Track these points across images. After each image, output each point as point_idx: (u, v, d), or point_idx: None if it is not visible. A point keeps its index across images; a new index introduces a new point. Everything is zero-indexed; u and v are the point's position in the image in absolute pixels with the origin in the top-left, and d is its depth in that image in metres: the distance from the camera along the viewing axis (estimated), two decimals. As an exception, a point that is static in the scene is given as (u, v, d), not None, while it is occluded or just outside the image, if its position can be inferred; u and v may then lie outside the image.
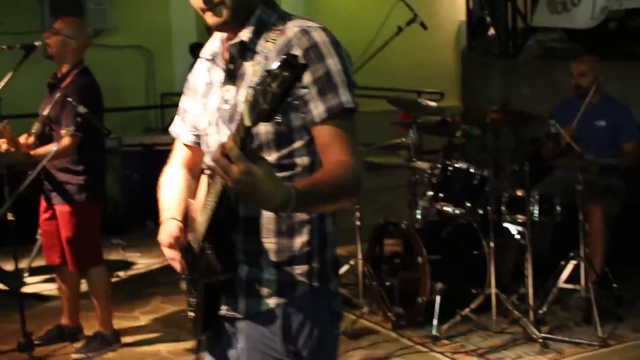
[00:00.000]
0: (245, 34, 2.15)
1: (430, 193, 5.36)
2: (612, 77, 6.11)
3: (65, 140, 4.78)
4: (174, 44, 11.59)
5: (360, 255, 5.62)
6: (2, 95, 5.13)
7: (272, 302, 2.14)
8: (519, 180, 5.21)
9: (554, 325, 5.21)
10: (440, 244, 5.36)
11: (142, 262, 7.54)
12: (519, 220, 5.19)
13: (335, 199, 2.01)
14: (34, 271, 6.80)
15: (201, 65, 2.34)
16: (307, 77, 2.03)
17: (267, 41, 2.12)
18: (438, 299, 5.15)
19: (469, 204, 5.22)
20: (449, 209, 5.27)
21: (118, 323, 5.45)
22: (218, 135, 2.20)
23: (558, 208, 5.24)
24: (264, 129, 2.07)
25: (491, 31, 8.57)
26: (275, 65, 1.66)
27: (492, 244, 5.12)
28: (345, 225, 2.87)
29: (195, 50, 11.00)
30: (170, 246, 2.31)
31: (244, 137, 1.76)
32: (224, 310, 2.20)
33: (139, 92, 11.42)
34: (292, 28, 2.10)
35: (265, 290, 2.14)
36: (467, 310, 5.11)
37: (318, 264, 2.16)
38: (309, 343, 2.15)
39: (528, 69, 7.86)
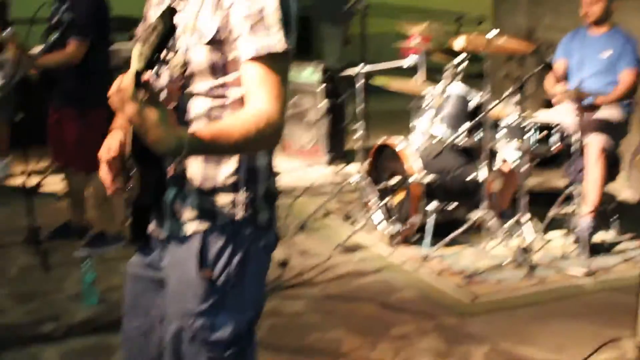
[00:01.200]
0: None
1: (429, 116, 5.43)
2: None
3: (71, 47, 4.93)
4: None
5: (360, 172, 5.74)
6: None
7: (192, 227, 2.15)
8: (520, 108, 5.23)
9: (544, 254, 5.29)
10: (437, 168, 5.44)
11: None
12: (514, 147, 5.24)
13: (239, 150, 2.06)
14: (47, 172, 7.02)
15: None
16: (241, 11, 2.03)
17: None
18: (432, 218, 5.27)
19: (464, 129, 5.27)
20: (443, 133, 5.33)
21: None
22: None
23: (554, 138, 5.27)
24: (198, 57, 2.09)
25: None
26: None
27: (486, 169, 5.20)
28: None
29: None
30: (106, 163, 2.25)
31: (135, 80, 1.85)
32: (151, 227, 2.24)
33: None
34: None
35: (187, 215, 2.16)
36: (458, 231, 5.21)
37: (245, 196, 2.15)
38: (226, 272, 2.14)
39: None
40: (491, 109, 5.10)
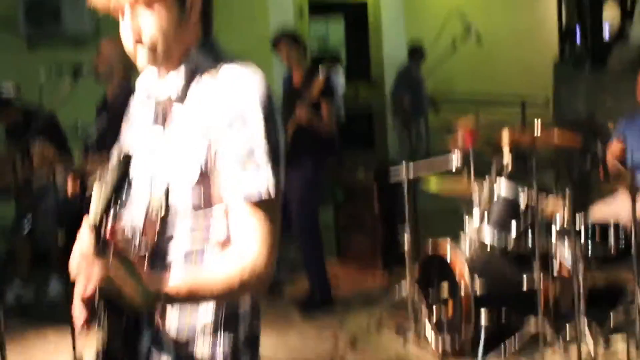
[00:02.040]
0: (176, 79, 2.02)
1: (477, 218, 5.15)
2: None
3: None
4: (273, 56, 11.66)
5: (409, 280, 5.47)
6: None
7: None
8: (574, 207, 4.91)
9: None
10: (488, 275, 5.12)
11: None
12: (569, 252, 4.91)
13: (219, 300, 1.96)
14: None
15: (138, 96, 2.20)
16: (229, 149, 1.90)
17: (198, 86, 1.99)
18: (483, 328, 4.94)
19: (515, 233, 4.97)
20: (492, 237, 5.03)
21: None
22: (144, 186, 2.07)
23: (612, 240, 4.91)
24: (179, 195, 1.96)
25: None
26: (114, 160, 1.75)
27: (540, 275, 4.86)
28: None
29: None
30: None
31: (96, 238, 1.81)
32: None
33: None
34: (222, 79, 1.95)
35: None
36: (512, 341, 4.87)
37: (224, 343, 2.01)
38: None
39: (613, 79, 7.47)
40: (539, 210, 4.79)
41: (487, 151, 5.72)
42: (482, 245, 5.18)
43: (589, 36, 7.77)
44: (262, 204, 1.90)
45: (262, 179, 1.89)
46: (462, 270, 5.03)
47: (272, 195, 1.90)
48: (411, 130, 10.75)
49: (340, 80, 11.29)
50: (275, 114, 1.94)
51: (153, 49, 1.98)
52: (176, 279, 1.88)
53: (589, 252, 4.89)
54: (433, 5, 12.43)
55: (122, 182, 1.85)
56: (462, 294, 4.99)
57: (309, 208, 6.22)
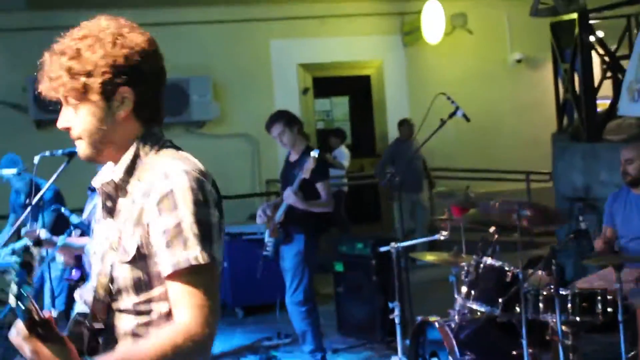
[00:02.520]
0: (117, 173, 2.15)
1: (465, 290, 5.21)
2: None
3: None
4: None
5: (399, 353, 5.51)
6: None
7: None
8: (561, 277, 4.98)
9: None
10: (477, 344, 5.16)
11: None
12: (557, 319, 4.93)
13: None
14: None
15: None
16: (159, 226, 2.02)
17: (139, 180, 2.12)
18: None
19: (501, 303, 5.01)
20: (480, 308, 5.08)
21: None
22: (97, 267, 2.20)
23: (599, 307, 4.95)
24: (122, 274, 2.08)
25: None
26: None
27: (525, 344, 4.90)
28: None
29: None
30: None
31: (30, 320, 1.91)
32: None
33: (244, 179, 11.67)
34: (157, 168, 2.09)
35: None
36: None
37: None
38: None
39: (608, 153, 7.56)
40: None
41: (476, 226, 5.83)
42: (471, 317, 5.21)
43: (584, 109, 7.87)
44: (192, 273, 2.00)
45: (190, 252, 2.00)
46: (451, 346, 5.07)
47: (203, 264, 2.00)
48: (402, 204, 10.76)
49: (344, 153, 11.43)
50: (209, 197, 2.07)
51: (83, 143, 2.15)
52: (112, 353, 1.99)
53: (577, 318, 4.89)
54: (436, 80, 12.63)
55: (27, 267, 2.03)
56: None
57: (300, 280, 6.30)
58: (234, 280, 8.90)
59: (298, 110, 12.03)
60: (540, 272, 5.19)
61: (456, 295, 5.36)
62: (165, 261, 2.01)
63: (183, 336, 1.96)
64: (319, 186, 6.28)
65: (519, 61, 12.69)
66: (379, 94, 12.30)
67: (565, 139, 8.37)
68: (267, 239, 6.44)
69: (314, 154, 6.17)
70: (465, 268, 5.26)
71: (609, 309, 4.95)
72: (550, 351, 5.14)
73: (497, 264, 5.13)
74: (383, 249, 5.86)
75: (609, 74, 8.13)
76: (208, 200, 2.06)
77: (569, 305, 4.90)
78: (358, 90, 12.54)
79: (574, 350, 5.00)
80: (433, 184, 11.34)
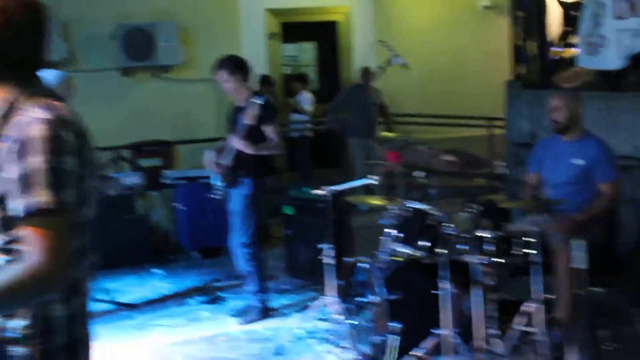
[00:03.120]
0: None
1: (393, 233, 5.33)
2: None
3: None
4: (245, 75, 11.85)
5: (328, 293, 5.66)
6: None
7: None
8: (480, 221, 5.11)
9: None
10: (403, 284, 5.31)
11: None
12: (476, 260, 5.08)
13: (11, 304, 2.13)
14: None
15: None
16: (12, 171, 2.12)
17: (11, 125, 2.21)
18: (393, 338, 5.12)
19: (426, 245, 5.15)
20: (406, 250, 5.21)
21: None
22: None
23: (517, 249, 5.09)
24: None
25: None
26: None
27: (446, 285, 5.05)
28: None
29: (264, 82, 11.28)
30: None
31: None
32: None
33: (209, 123, 11.70)
34: (23, 115, 2.19)
35: None
36: (419, 352, 5.04)
37: (40, 348, 2.19)
38: None
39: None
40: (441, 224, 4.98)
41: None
42: (395, 256, 5.34)
43: (537, 56, 7.94)
44: (41, 216, 2.10)
45: (39, 197, 2.10)
46: (375, 286, 5.23)
47: (52, 208, 2.10)
48: (355, 150, 10.90)
49: (306, 98, 11.48)
50: (64, 145, 2.16)
51: None
52: None
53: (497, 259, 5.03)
54: (404, 26, 12.67)
55: None
56: (374, 302, 5.19)
57: (248, 223, 6.43)
58: (191, 223, 9.05)
59: (265, 55, 12.09)
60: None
61: (383, 238, 5.49)
62: (18, 205, 2.11)
63: (30, 274, 2.06)
64: (267, 129, 6.37)
65: (487, 7, 12.70)
66: (346, 40, 12.32)
67: (518, 86, 8.45)
68: (216, 182, 6.56)
69: (259, 100, 6.26)
70: (393, 212, 5.39)
71: (531, 252, 5.11)
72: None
73: (421, 207, 5.25)
74: (316, 192, 5.97)
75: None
76: (62, 148, 2.16)
77: (491, 247, 5.03)
78: (325, 36, 12.55)
79: (495, 290, 5.16)
80: (391, 129, 11.44)
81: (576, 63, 7.57)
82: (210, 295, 7.30)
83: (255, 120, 6.30)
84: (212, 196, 6.67)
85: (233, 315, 6.68)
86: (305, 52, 12.76)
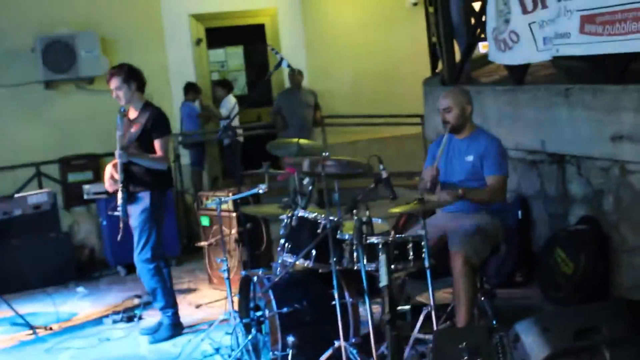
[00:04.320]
0: None
1: (282, 243, 5.22)
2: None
3: None
4: (172, 85, 11.70)
5: (230, 308, 5.55)
6: None
7: None
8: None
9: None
10: (294, 296, 5.20)
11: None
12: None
13: None
14: None
15: None
16: None
17: None
18: (290, 353, 5.01)
19: (315, 254, 5.03)
20: (294, 260, 5.08)
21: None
22: None
23: (411, 255, 4.98)
24: None
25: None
26: None
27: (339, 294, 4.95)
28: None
29: (188, 90, 11.13)
30: None
31: None
32: None
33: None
34: None
35: None
36: (319, 361, 4.95)
37: None
38: None
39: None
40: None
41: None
42: (292, 269, 5.22)
43: (445, 54, 7.88)
44: None
45: None
46: (268, 299, 5.11)
47: None
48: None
49: (229, 103, 11.33)
50: None
51: None
52: None
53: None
54: (333, 26, 12.56)
55: None
56: (268, 315, 5.08)
57: (146, 238, 6.29)
58: (113, 239, 8.86)
59: (192, 61, 11.93)
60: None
61: (278, 248, 5.37)
62: None
63: None
64: (156, 142, 6.24)
65: (415, 4, 12.60)
66: (275, 43, 12.16)
67: (435, 82, 8.37)
68: (119, 199, 6.40)
69: (150, 109, 6.18)
70: (285, 221, 5.27)
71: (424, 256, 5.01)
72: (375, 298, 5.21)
73: (309, 215, 5.13)
74: (210, 204, 5.83)
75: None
76: None
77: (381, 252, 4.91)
78: (252, 39, 12.41)
79: (391, 296, 5.05)
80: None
81: (491, 58, 7.48)
82: (127, 313, 7.13)
83: (146, 132, 6.19)
84: (113, 213, 6.53)
85: (143, 334, 6.53)
86: (233, 57, 12.60)
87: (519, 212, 6.81)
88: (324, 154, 5.22)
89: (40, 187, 10.21)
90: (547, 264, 6.26)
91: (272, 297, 5.10)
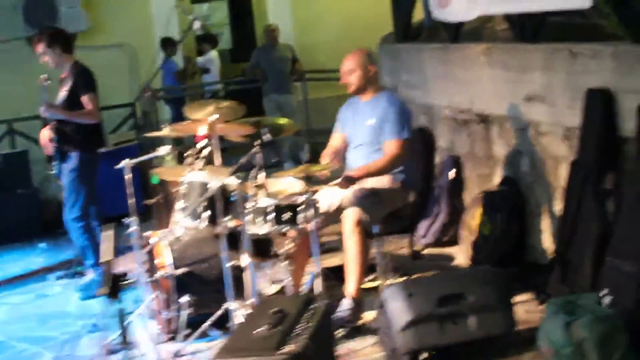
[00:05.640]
0: None
1: (179, 205, 5.24)
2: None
3: None
4: (156, 40, 11.72)
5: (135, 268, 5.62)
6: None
7: None
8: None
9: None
10: (191, 259, 5.25)
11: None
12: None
13: None
14: None
15: None
16: None
17: None
18: (184, 313, 5.08)
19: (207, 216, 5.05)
20: (187, 222, 5.10)
21: None
22: None
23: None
24: None
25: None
26: None
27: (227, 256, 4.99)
28: None
29: (165, 46, 11.16)
30: None
31: None
32: None
33: (123, 90, 11.59)
34: None
35: None
36: (206, 324, 5.01)
37: None
38: None
39: (407, 54, 7.53)
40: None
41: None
42: (183, 229, 5.24)
43: (394, 11, 7.79)
44: None
45: None
46: (162, 255, 5.17)
47: None
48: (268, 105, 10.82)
49: (211, 59, 11.35)
50: None
51: None
52: None
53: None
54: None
55: None
56: (160, 277, 5.15)
57: (75, 197, 6.40)
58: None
59: (175, 17, 11.92)
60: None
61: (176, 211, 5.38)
62: None
63: None
64: (82, 99, 6.31)
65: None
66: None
67: (390, 40, 8.29)
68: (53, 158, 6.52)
69: (76, 68, 6.25)
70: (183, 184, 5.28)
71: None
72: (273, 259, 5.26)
73: (204, 177, 5.11)
74: (119, 166, 5.82)
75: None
76: None
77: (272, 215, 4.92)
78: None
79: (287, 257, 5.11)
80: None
81: (434, 16, 7.37)
82: (72, 268, 7.25)
83: (74, 91, 6.27)
84: (51, 172, 6.63)
85: (77, 291, 6.65)
86: (218, 12, 12.57)
87: (451, 171, 6.75)
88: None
89: (13, 143, 10.34)
90: (469, 224, 6.23)
91: (169, 258, 5.16)
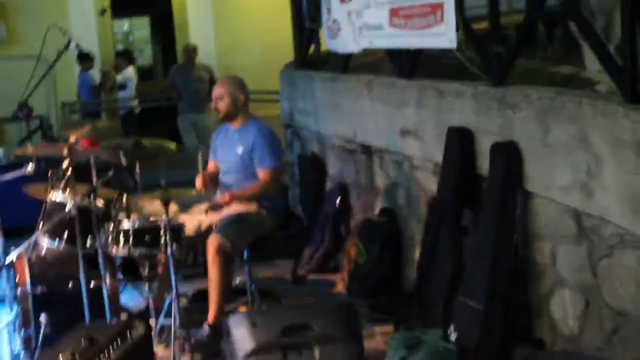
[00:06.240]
0: None
1: (40, 225, 5.22)
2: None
3: None
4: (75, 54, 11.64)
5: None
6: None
7: None
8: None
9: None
10: (52, 277, 5.23)
11: None
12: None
13: None
14: None
15: None
16: None
17: None
18: (42, 331, 5.04)
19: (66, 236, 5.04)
20: (45, 243, 5.08)
21: None
22: None
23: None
24: None
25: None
26: None
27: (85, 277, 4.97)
28: None
29: (81, 60, 11.12)
30: None
31: None
32: None
33: (40, 102, 11.48)
34: None
35: None
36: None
37: None
38: None
39: (302, 80, 7.61)
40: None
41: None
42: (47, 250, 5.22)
43: (300, 42, 7.87)
44: None
45: None
46: (23, 272, 5.14)
47: None
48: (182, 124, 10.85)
49: (128, 76, 11.33)
50: None
51: None
52: None
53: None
54: (241, 2, 12.49)
55: None
56: (19, 296, 5.11)
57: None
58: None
59: (95, 32, 11.89)
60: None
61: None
62: None
63: None
64: None
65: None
66: (181, 15, 12.12)
67: (292, 66, 8.35)
68: None
69: None
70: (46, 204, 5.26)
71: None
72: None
73: (59, 199, 5.10)
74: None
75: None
76: None
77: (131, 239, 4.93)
78: (159, 10, 12.36)
79: (151, 280, 5.10)
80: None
81: (328, 46, 7.46)
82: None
83: None
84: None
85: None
86: (138, 28, 12.57)
87: (337, 200, 6.80)
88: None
89: None
90: (349, 252, 6.29)
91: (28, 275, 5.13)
